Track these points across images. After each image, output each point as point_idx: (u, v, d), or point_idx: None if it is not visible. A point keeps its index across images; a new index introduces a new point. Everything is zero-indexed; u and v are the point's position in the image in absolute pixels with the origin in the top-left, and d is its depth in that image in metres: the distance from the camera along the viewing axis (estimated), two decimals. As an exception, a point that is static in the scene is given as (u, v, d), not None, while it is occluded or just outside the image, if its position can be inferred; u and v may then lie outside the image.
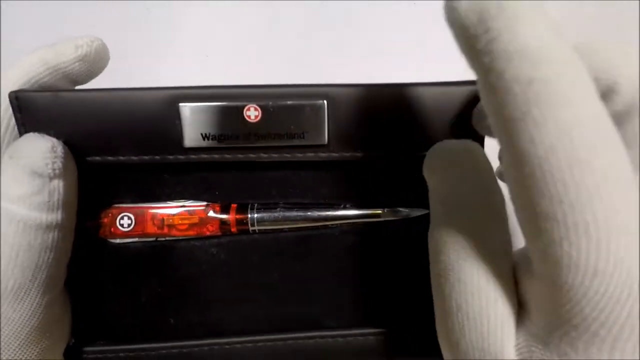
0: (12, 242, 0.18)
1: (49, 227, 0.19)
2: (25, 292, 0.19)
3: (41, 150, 0.19)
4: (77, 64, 0.21)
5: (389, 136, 0.21)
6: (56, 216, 0.19)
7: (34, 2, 0.30)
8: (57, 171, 0.19)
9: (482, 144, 0.21)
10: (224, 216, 0.23)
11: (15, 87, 0.21)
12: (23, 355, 0.20)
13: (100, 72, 0.23)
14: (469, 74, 0.14)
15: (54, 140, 0.20)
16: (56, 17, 0.29)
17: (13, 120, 0.21)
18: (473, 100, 0.20)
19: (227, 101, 0.20)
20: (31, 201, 0.19)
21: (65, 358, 0.23)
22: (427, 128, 0.21)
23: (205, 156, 0.21)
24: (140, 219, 0.23)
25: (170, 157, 0.21)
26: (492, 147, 0.23)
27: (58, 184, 0.19)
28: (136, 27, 0.31)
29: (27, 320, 0.20)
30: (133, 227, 0.23)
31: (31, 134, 0.20)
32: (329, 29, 0.32)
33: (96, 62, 0.22)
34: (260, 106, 0.20)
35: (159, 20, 0.31)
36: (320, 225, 0.23)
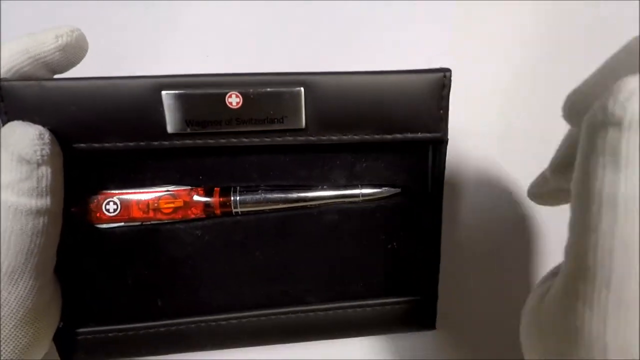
0: (4, 227, 0.19)
1: (39, 212, 0.20)
2: (19, 276, 0.20)
3: (29, 137, 0.19)
4: (57, 53, 0.22)
5: (362, 120, 0.22)
6: (45, 202, 0.20)
7: (34, 2, 0.29)
8: (45, 157, 0.20)
9: (445, 134, 0.23)
10: (207, 199, 0.24)
11: None
12: (17, 338, 0.21)
13: (79, 61, 0.23)
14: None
15: (41, 127, 0.20)
16: (56, 18, 0.28)
17: None
18: (438, 87, 0.22)
19: (210, 89, 0.21)
20: (20, 187, 0.19)
21: (54, 341, 0.24)
22: (398, 111, 0.22)
23: (188, 142, 0.22)
24: (125, 204, 0.24)
25: (155, 143, 0.22)
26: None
27: (46, 170, 0.20)
28: (136, 27, 0.31)
29: (21, 304, 0.20)
30: (119, 212, 0.24)
31: (16, 121, 0.20)
32: (330, 29, 0.32)
33: (76, 51, 0.22)
34: (241, 93, 0.21)
35: (159, 20, 0.31)
36: (300, 206, 0.25)
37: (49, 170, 0.20)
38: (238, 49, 0.32)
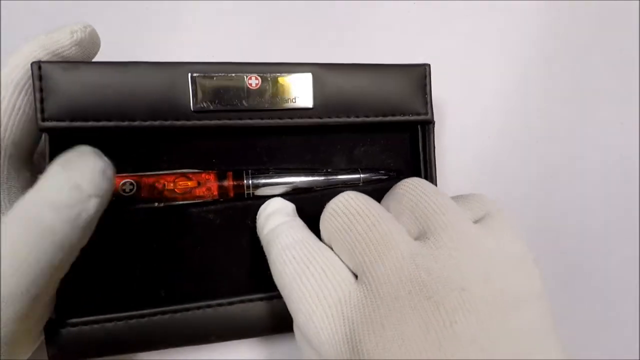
0: (22, 239, 0.18)
1: (62, 244, 0.19)
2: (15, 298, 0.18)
3: (95, 170, 0.19)
4: (73, 48, 0.23)
5: (361, 104, 0.26)
6: (74, 233, 0.19)
7: (34, 2, 0.30)
8: (99, 192, 0.19)
9: (432, 116, 0.27)
10: (221, 182, 0.26)
11: (18, 73, 0.22)
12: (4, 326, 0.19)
13: (94, 56, 0.25)
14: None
15: (106, 161, 0.20)
16: (56, 18, 0.29)
17: (18, 103, 0.22)
18: (422, 77, 0.26)
19: (233, 73, 0.24)
20: (61, 212, 0.18)
21: (45, 335, 0.22)
22: (391, 97, 0.26)
23: (209, 121, 0.24)
24: (141, 185, 0.25)
25: (178, 122, 0.24)
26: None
27: (94, 203, 0.19)
28: (138, 28, 0.32)
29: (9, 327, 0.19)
30: (135, 193, 0.24)
31: (84, 147, 0.20)
32: (331, 29, 0.34)
33: (90, 46, 0.24)
34: (260, 76, 0.24)
35: (162, 21, 0.32)
36: (306, 189, 0.27)
37: (97, 202, 0.19)
38: (242, 49, 0.33)
